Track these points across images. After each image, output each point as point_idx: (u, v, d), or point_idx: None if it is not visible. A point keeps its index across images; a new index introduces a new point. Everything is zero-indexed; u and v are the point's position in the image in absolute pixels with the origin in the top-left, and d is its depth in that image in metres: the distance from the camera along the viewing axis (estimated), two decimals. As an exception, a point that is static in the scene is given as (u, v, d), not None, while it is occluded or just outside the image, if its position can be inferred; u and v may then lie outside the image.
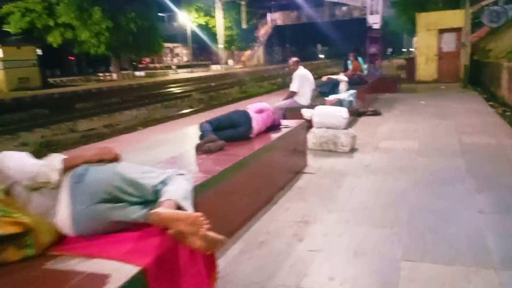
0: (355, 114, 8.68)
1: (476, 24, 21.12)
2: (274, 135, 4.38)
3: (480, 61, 15.01)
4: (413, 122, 8.03)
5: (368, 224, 3.35)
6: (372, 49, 13.65)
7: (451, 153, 5.54)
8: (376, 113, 9.06)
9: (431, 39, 15.80)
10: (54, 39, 30.15)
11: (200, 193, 2.59)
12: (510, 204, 3.61)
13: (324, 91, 7.55)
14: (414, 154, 5.56)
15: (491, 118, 8.05)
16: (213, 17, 47.25)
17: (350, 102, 8.09)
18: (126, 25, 31.76)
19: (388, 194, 4.04)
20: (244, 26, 47.39)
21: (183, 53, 56.57)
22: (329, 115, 5.93)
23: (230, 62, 52.23)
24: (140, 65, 48.60)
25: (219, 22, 46.03)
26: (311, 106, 6.40)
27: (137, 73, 37.84)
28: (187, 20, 45.13)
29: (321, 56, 77.51)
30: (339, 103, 7.26)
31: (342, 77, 8.05)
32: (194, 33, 48.99)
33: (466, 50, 13.86)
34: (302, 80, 6.46)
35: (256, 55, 57.09)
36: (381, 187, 4.27)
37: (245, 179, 3.55)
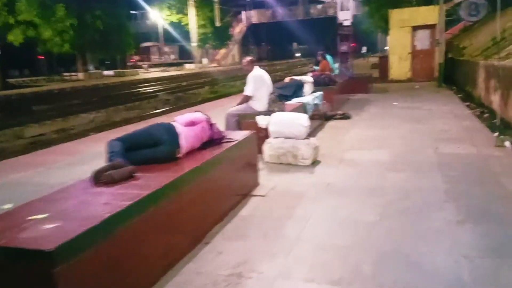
0: (322, 118, 7.90)
1: (450, 21, 20.72)
2: (212, 153, 3.51)
3: (455, 59, 14.50)
4: (384, 127, 7.28)
5: (318, 279, 2.51)
6: (343, 47, 12.93)
7: (426, 166, 4.78)
8: (345, 117, 8.30)
9: (404, 37, 15.22)
10: (15, 37, 28.43)
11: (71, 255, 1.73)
12: (503, 243, 2.83)
13: (286, 94, 6.72)
14: (384, 169, 4.77)
15: (469, 122, 7.38)
16: (186, 14, 46.01)
17: (316, 105, 7.29)
18: (92, 23, 30.33)
19: (349, 229, 3.21)
20: (217, 24, 46.28)
21: (170, 51, 55.40)
22: (288, 123, 5.10)
23: (205, 60, 51.14)
24: (128, 63, 48.21)
25: (192, 20, 44.89)
26: (269, 112, 5.55)
27: (106, 73, 36.40)
28: (158, 17, 43.78)
29: (298, 54, 77.16)
30: (303, 107, 6.45)
31: (306, 78, 7.25)
32: (169, 32, 47.80)
33: (440, 48, 13.29)
34: (258, 82, 5.61)
35: (231, 54, 56.17)
36: (342, 217, 3.44)
37: (160, 218, 2.67)
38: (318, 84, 9.09)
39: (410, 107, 9.48)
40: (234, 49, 57.03)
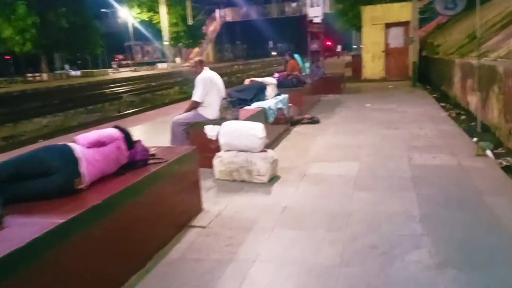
0: (288, 123, 7.19)
1: (423, 19, 20.39)
2: (129, 180, 2.73)
3: (429, 57, 14.05)
4: (355, 133, 6.62)
5: None
6: (314, 45, 12.26)
7: (399, 183, 4.11)
8: (313, 121, 7.61)
9: (377, 35, 14.70)
10: (-28, 37, 26.83)
11: None
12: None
13: (245, 98, 5.97)
14: (351, 186, 4.08)
15: (445, 126, 6.79)
16: (157, 12, 44.77)
17: (280, 109, 6.57)
18: (56, 21, 28.92)
19: (299, 278, 2.48)
20: (189, 22, 45.21)
21: (153, 51, 54.01)
22: (241, 134, 4.35)
23: (178, 60, 50.00)
24: (113, 62, 47.65)
25: (163, 18, 43.70)
26: (221, 120, 4.79)
27: (73, 73, 34.88)
28: (128, 16, 42.40)
29: (274, 53, 76.61)
30: (263, 113, 5.71)
31: (269, 79, 6.53)
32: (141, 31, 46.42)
33: (414, 46, 12.79)
34: (208, 85, 4.83)
35: (205, 53, 55.08)
36: (293, 260, 2.71)
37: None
38: (284, 85, 8.39)
39: (383, 109, 8.88)
40: (208, 48, 56.03)
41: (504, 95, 5.90)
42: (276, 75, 8.82)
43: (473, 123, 7.36)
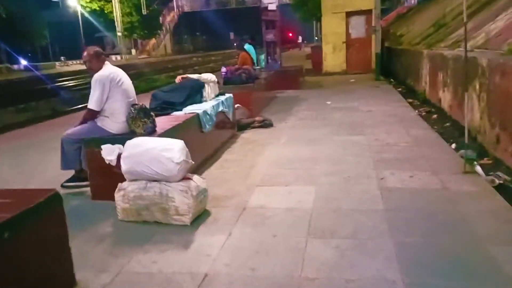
0: (234, 128, 5.98)
1: (382, 10, 19.55)
2: None
3: (392, 48, 13.19)
4: (312, 140, 5.48)
5: None
6: (269, 36, 11.05)
7: (369, 223, 2.98)
8: (265, 125, 6.43)
9: (338, 24, 13.68)
10: None
11: None
12: None
13: (174, 101, 4.67)
14: (303, 230, 2.91)
15: (418, 130, 5.77)
16: (109, 1, 42.24)
17: (221, 113, 5.33)
18: (-7, 10, 26.32)
19: None
20: (144, 11, 42.96)
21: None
22: (150, 156, 3.07)
23: (133, 51, 47.67)
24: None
25: (116, 7, 41.27)
26: (128, 135, 3.50)
27: (16, 66, 32.12)
28: (76, 5, 39.67)
29: (236, 44, 74.78)
30: (196, 120, 4.45)
31: (207, 76, 5.26)
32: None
33: (377, 36, 11.84)
34: (108, 88, 3.50)
35: (162, 44, 52.90)
36: None
37: None
38: (232, 82, 7.18)
39: (345, 107, 7.81)
40: (165, 39, 53.77)
41: (487, 94, 4.92)
42: (224, 69, 7.55)
43: (447, 124, 6.42)
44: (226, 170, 4.38)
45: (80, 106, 13.39)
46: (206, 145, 4.69)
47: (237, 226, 3.03)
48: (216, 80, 5.49)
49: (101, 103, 3.50)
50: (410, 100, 8.48)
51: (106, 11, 42.97)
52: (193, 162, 3.25)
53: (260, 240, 2.79)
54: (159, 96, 4.70)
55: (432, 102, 7.87)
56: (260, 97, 7.92)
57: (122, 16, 42.73)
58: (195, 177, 3.27)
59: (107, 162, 3.13)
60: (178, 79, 5.21)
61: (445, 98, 6.93)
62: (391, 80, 11.97)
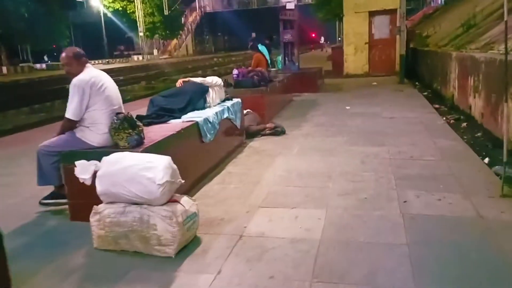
0: (243, 135, 5.51)
1: (408, 11, 18.79)
2: None
3: (418, 50, 12.48)
4: (327, 151, 4.96)
5: None
6: (287, 36, 10.53)
7: (387, 259, 2.47)
8: (276, 132, 5.94)
9: (360, 24, 13.05)
10: None
11: None
12: None
13: (173, 107, 4.23)
14: (307, 269, 2.42)
15: (446, 140, 5.17)
16: (131, 1, 42.45)
17: (229, 120, 4.87)
18: (15, 10, 26.56)
19: None
20: (166, 12, 42.98)
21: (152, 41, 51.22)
22: (129, 176, 2.63)
23: (155, 52, 47.80)
24: (115, 52, 46.66)
25: (138, 7, 41.43)
26: (111, 148, 3.07)
27: (38, 66, 32.52)
28: (99, 4, 39.97)
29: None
30: (194, 130, 3.99)
31: (212, 79, 4.80)
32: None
33: (402, 37, 11.17)
34: (88, 94, 3.07)
35: (184, 45, 52.91)
36: None
37: None
38: (243, 85, 6.71)
39: (366, 113, 7.24)
40: (187, 40, 53.76)
41: (529, 103, 4.30)
42: (235, 71, 7.09)
43: (478, 134, 5.79)
44: (227, 186, 3.91)
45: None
46: (207, 157, 4.23)
47: (229, 261, 2.55)
48: (222, 83, 5.02)
49: (80, 112, 3.07)
50: (437, 106, 7.84)
51: (128, 11, 43.18)
52: (182, 182, 2.79)
53: (254, 283, 2.30)
54: (157, 101, 4.27)
55: (461, 108, 7.22)
56: (274, 101, 7.43)
57: (144, 16, 42.86)
58: (184, 199, 2.81)
59: (81, 181, 2.71)
60: (179, 82, 4.76)
61: (476, 105, 6.28)
62: (416, 83, 11.29)
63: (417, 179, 3.83)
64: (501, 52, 5.85)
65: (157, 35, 46.33)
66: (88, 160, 2.77)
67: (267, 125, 5.99)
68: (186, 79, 4.78)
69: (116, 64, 36.48)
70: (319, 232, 2.86)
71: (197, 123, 4.00)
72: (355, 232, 2.85)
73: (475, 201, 3.25)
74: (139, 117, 4.01)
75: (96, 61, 39.68)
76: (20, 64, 31.97)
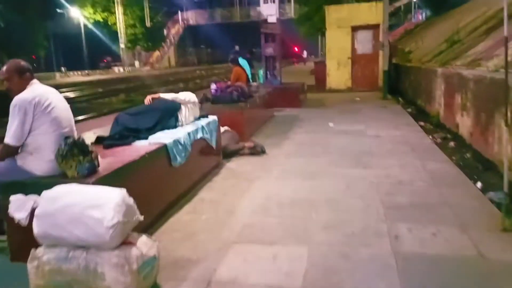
0: (219, 156, 5.10)
1: (389, 26, 18.86)
2: None
3: (401, 65, 12.34)
4: (310, 174, 4.59)
5: None
6: (269, 50, 10.23)
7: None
8: (256, 152, 5.55)
9: (343, 39, 12.88)
10: None
11: None
12: None
13: (140, 127, 3.81)
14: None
15: (436, 163, 4.86)
16: (113, 13, 41.93)
17: (203, 140, 4.46)
18: (-10, 19, 25.84)
19: None
20: (148, 24, 42.57)
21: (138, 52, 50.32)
22: (72, 215, 2.19)
23: (137, 63, 47.20)
24: (101, 64, 45.89)
25: (120, 19, 40.94)
26: (60, 178, 2.63)
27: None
28: (79, 15, 39.32)
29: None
30: (164, 151, 3.57)
31: (185, 95, 4.40)
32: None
33: (385, 52, 10.99)
34: (31, 115, 2.63)
35: (166, 57, 52.45)
36: None
37: None
38: (221, 100, 6.34)
39: (350, 131, 6.93)
40: (169, 52, 53.33)
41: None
42: (214, 86, 6.72)
43: (467, 155, 5.51)
44: (198, 216, 3.49)
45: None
46: (178, 182, 3.81)
47: (192, 317, 2.13)
48: (197, 100, 4.63)
49: (21, 136, 2.63)
50: (422, 123, 7.59)
51: (109, 23, 42.63)
52: (140, 218, 2.37)
53: None
54: (122, 120, 3.84)
55: (447, 126, 6.98)
56: (254, 118, 7.07)
57: (126, 28, 42.38)
58: (142, 239, 2.38)
59: (16, 222, 2.26)
60: (147, 99, 4.34)
61: (464, 123, 6.03)
62: (399, 99, 11.11)
63: (407, 208, 3.48)
64: (490, 69, 5.63)
65: (138, 46, 45.82)
66: (27, 193, 2.33)
67: (246, 144, 5.61)
68: (156, 96, 4.36)
69: (96, 76, 35.77)
70: (300, 277, 2.46)
71: (165, 146, 3.58)
72: (340, 276, 2.46)
73: (473, 236, 2.91)
74: (100, 138, 3.59)
75: (76, 72, 38.89)
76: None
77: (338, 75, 12.98)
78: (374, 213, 3.38)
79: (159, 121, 4.02)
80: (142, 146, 3.48)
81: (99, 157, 2.77)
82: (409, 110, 9.38)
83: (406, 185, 4.10)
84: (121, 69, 42.44)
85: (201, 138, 4.42)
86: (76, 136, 2.78)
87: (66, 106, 2.84)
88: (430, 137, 6.52)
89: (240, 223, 3.30)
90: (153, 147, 3.46)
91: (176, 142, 3.76)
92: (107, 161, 2.95)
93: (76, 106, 16.88)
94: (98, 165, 2.73)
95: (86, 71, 40.82)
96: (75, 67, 42.40)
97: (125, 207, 2.24)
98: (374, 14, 12.13)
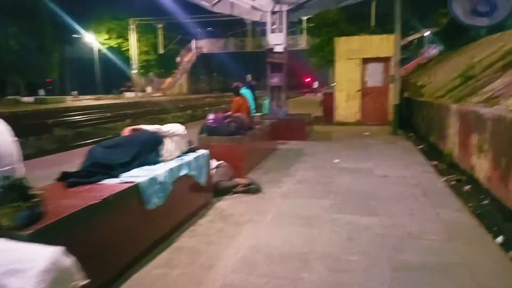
0: (210, 193, 4.63)
1: (402, 60, 18.58)
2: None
3: (412, 100, 11.87)
4: (307, 220, 4.07)
5: None
6: (275, 80, 9.89)
7: None
8: (251, 190, 5.07)
9: (353, 71, 12.52)
10: None
11: None
12: None
13: (113, 162, 3.36)
14: None
15: (451, 211, 4.32)
16: (127, 39, 42.60)
17: (187, 178, 4.00)
18: (4, 42, 26.16)
19: None
20: (160, 51, 43.07)
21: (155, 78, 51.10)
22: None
23: (149, 89, 47.59)
24: (122, 88, 46.57)
25: (133, 45, 41.51)
26: None
27: (26, 99, 31.81)
28: (93, 41, 39.96)
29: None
30: (135, 192, 3.11)
31: (169, 127, 3.97)
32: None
33: (395, 85, 10.57)
34: None
35: (178, 83, 52.87)
36: None
37: None
38: (217, 132, 5.92)
39: (356, 169, 6.43)
40: (182, 79, 53.77)
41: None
42: (211, 116, 6.31)
43: (485, 201, 4.95)
44: (171, 270, 2.99)
45: (74, 144, 12.46)
46: (152, 228, 3.33)
47: None
48: (185, 132, 4.19)
49: None
50: (434, 163, 7.05)
51: (123, 49, 43.27)
52: (79, 285, 1.88)
53: None
54: (94, 154, 3.40)
55: (462, 167, 6.43)
56: (254, 151, 6.61)
57: (139, 54, 42.90)
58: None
59: None
60: (125, 131, 3.91)
61: (481, 166, 5.49)
62: (410, 134, 10.60)
63: (419, 271, 2.94)
64: (510, 108, 5.13)
65: (151, 73, 46.27)
66: None
67: (241, 181, 5.13)
68: (136, 127, 3.94)
69: (106, 100, 35.99)
70: None
71: (137, 185, 3.12)
72: None
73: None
74: (64, 175, 3.14)
75: (87, 96, 39.22)
76: (9, 97, 31.23)
77: (347, 107, 12.56)
78: (378, 276, 2.85)
79: (136, 156, 3.57)
80: (110, 186, 3.02)
81: (43, 202, 2.30)
82: (421, 146, 8.86)
83: (416, 238, 3.56)
84: (132, 94, 42.73)
85: (186, 175, 3.95)
86: (21, 175, 2.33)
87: (9, 140, 2.40)
88: (444, 178, 5.98)
89: (218, 282, 2.79)
90: (122, 186, 3.00)
91: (153, 180, 3.30)
92: (59, 205, 2.50)
93: (80, 130, 16.72)
94: (42, 212, 2.26)
95: (97, 95, 41.19)
96: (89, 91, 42.85)
97: (56, 272, 1.76)
98: (386, 46, 11.80)
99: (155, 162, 3.75)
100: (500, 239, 3.71)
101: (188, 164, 4.01)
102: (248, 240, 3.55)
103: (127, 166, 3.46)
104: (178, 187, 3.73)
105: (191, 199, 4.14)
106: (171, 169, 3.65)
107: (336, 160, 7.05)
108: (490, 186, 5.12)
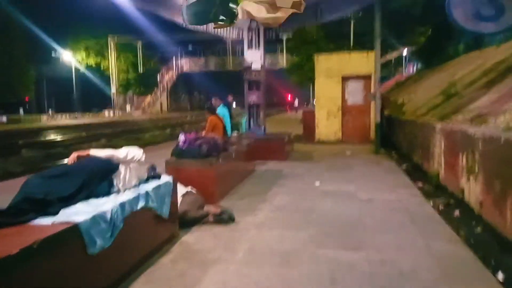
0: (175, 225, 4.10)
1: (380, 78, 18.48)
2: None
3: (394, 118, 11.61)
4: (284, 257, 3.57)
5: None
6: (252, 98, 9.49)
7: None
8: (222, 220, 4.55)
9: (333, 89, 12.23)
10: None
11: None
12: None
13: (50, 197, 2.82)
14: None
15: (443, 242, 3.89)
16: (106, 58, 41.97)
17: (145, 212, 3.47)
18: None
19: None
20: (140, 70, 42.53)
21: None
22: None
23: (128, 107, 46.84)
24: (107, 108, 45.33)
25: (112, 64, 40.88)
26: None
27: (-2, 119, 30.71)
28: (71, 59, 39.18)
29: (234, 106, 74.50)
30: (73, 235, 2.57)
31: (125, 152, 3.47)
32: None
33: (377, 103, 10.28)
34: None
35: (158, 102, 52.22)
36: None
37: None
38: (186, 155, 5.41)
39: (338, 192, 5.98)
40: (162, 97, 53.17)
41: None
42: (182, 137, 5.81)
43: (477, 228, 4.56)
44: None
45: (43, 166, 11.72)
46: (96, 276, 2.78)
47: None
48: (144, 158, 3.67)
49: None
50: (420, 185, 6.67)
51: (102, 68, 42.58)
52: None
53: None
54: (30, 186, 2.86)
55: (449, 190, 6.06)
56: (228, 175, 6.11)
57: (119, 72, 42.26)
58: None
59: None
60: (72, 158, 3.37)
61: (472, 190, 5.11)
62: (393, 152, 10.27)
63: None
64: (501, 127, 4.80)
65: (130, 91, 45.60)
66: None
67: (211, 210, 4.61)
68: (84, 153, 3.40)
69: (84, 119, 35.10)
70: None
71: (77, 226, 2.58)
72: None
73: None
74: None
75: (64, 115, 38.21)
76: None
77: (327, 125, 12.22)
78: (366, 333, 2.36)
79: (83, 187, 3.04)
80: (41, 228, 2.48)
81: None
82: (404, 166, 8.51)
83: (408, 278, 3.10)
84: (111, 113, 41.89)
85: (144, 208, 3.42)
86: None
87: None
88: (431, 202, 5.58)
89: None
90: (56, 228, 2.46)
91: (97, 219, 2.77)
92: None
93: (51, 151, 15.94)
94: None
95: (75, 114, 40.19)
96: (67, 110, 41.80)
97: None
98: (366, 64, 11.57)
99: (107, 193, 3.22)
100: (500, 276, 3.29)
101: (147, 194, 3.49)
102: (212, 286, 3.02)
103: (70, 199, 2.92)
104: (132, 223, 3.19)
105: (150, 235, 3.60)
106: (124, 203, 3.11)
107: (317, 183, 6.61)
108: (483, 212, 4.73)
